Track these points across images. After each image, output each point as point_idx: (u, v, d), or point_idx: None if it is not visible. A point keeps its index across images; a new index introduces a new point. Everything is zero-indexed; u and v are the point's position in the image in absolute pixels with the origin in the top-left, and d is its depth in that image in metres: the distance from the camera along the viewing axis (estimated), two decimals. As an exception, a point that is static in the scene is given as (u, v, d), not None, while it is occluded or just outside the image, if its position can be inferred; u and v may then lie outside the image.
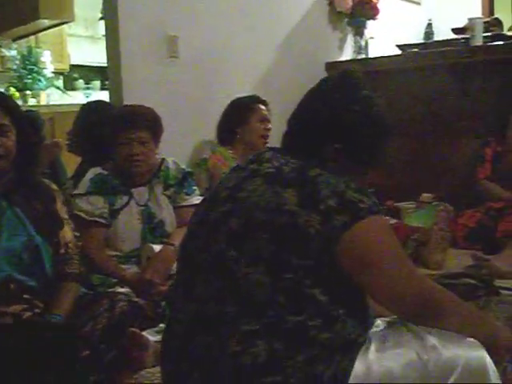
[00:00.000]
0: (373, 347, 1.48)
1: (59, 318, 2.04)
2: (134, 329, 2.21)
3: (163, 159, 2.97)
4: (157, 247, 2.73)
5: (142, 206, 2.83)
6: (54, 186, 2.28)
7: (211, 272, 1.49)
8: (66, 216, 2.26)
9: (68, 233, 2.22)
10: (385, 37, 5.16)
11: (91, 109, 3.40)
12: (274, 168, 1.52)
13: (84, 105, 3.56)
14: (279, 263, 1.42)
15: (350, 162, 1.60)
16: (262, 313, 1.40)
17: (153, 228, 2.83)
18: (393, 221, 3.80)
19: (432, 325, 1.49)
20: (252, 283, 1.41)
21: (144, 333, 2.26)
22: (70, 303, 2.12)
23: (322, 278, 1.43)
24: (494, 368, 1.49)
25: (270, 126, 3.63)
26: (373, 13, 4.94)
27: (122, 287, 2.61)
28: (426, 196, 4.46)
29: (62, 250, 2.17)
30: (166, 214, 2.87)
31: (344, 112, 1.58)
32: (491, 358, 1.50)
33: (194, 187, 2.98)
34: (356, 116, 1.59)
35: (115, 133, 2.80)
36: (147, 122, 2.83)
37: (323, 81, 1.71)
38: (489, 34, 4.41)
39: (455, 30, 4.65)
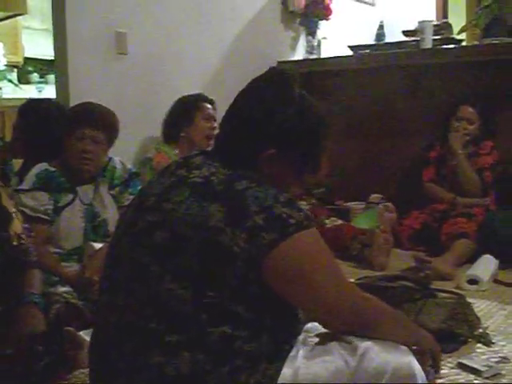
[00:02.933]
0: (301, 354, 1.46)
1: (37, 296, 2.12)
2: (69, 328, 2.18)
3: (110, 158, 2.97)
4: (98, 245, 2.72)
5: (86, 204, 2.83)
6: None
7: (134, 282, 1.44)
8: (14, 209, 2.24)
9: (18, 225, 2.21)
10: (338, 37, 5.18)
11: (28, 111, 3.31)
12: (202, 178, 1.45)
13: (20, 108, 3.42)
14: (203, 280, 1.37)
15: (284, 167, 1.53)
16: (185, 325, 1.37)
17: (95, 227, 2.83)
18: (338, 222, 3.83)
19: (362, 335, 1.48)
20: (174, 299, 1.37)
21: (81, 333, 2.23)
22: (40, 286, 2.19)
23: (248, 297, 1.38)
24: (423, 374, 1.49)
25: (215, 124, 3.63)
26: (325, 13, 4.96)
27: (64, 286, 2.58)
28: (374, 197, 4.51)
29: (16, 242, 2.17)
30: (109, 213, 2.87)
31: (277, 114, 1.50)
32: None
33: (139, 188, 2.96)
34: (290, 118, 1.51)
35: (72, 127, 2.81)
36: (105, 124, 2.85)
37: (254, 81, 1.61)
38: (439, 37, 4.45)
39: (406, 33, 4.68)
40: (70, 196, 2.80)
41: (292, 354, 1.46)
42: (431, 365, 1.61)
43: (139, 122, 3.87)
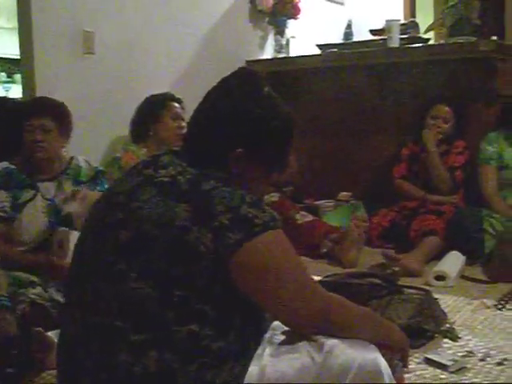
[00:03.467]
0: (267, 352, 1.46)
1: (4, 299, 2.20)
2: (38, 329, 2.17)
3: (72, 157, 3.00)
4: (72, 232, 2.73)
5: (47, 199, 2.84)
6: None
7: (99, 281, 1.43)
8: None
9: None
10: (306, 36, 5.19)
11: None
12: (169, 177, 1.45)
13: None
14: (169, 279, 1.36)
15: (253, 166, 1.53)
16: (151, 324, 1.36)
17: (60, 222, 2.82)
18: (309, 217, 3.83)
19: (330, 334, 1.48)
20: (140, 297, 1.36)
21: (49, 333, 2.21)
22: (5, 287, 2.26)
23: (215, 296, 1.39)
24: (389, 371, 1.50)
25: (183, 123, 3.61)
26: (294, 12, 4.97)
27: (34, 288, 2.54)
28: (344, 195, 4.55)
29: None
30: (73, 207, 2.85)
31: (246, 113, 1.51)
32: (383, 356, 1.51)
33: (107, 186, 2.96)
34: (258, 117, 1.51)
35: (22, 121, 2.85)
36: (52, 111, 2.87)
37: (223, 81, 1.60)
38: (406, 36, 4.48)
39: (373, 32, 4.71)
40: (32, 192, 2.81)
41: (258, 352, 1.46)
42: (399, 359, 1.62)
43: (107, 122, 3.85)
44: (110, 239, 1.44)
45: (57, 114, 2.89)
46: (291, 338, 1.50)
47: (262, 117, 1.52)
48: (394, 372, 1.59)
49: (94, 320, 1.42)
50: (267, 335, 1.54)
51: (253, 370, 1.42)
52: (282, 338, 1.52)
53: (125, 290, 1.38)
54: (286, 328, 1.54)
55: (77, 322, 1.47)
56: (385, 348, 1.55)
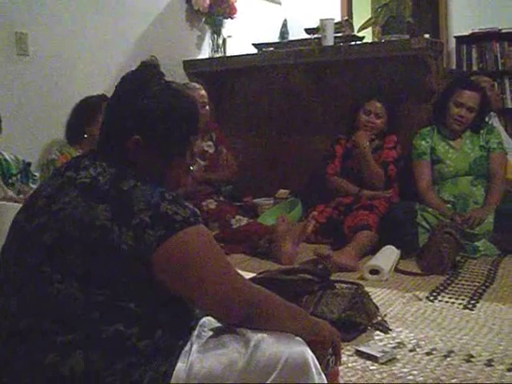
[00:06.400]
0: (195, 348, 1.48)
1: None
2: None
3: None
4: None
5: None
6: None
7: (25, 285, 1.44)
8: None
9: None
10: (243, 35, 5.22)
11: None
12: (89, 178, 1.47)
13: None
14: (93, 279, 1.38)
15: (150, 155, 1.55)
16: (77, 324, 1.38)
17: None
18: (244, 220, 3.85)
19: (257, 327, 1.50)
20: (65, 299, 1.38)
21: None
22: None
23: (139, 293, 1.41)
24: (316, 362, 1.52)
25: (118, 124, 3.60)
26: (230, 11, 4.99)
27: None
28: (282, 192, 4.58)
29: None
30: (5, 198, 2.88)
31: (136, 104, 1.54)
32: (315, 352, 1.54)
33: (37, 175, 3.15)
34: (147, 107, 1.54)
35: None
36: None
37: (122, 77, 1.64)
38: (340, 34, 4.54)
39: (308, 30, 4.75)
40: None
41: (186, 348, 1.48)
42: (331, 353, 1.65)
43: (42, 125, 3.81)
44: (34, 243, 1.45)
45: None
46: (218, 334, 1.52)
47: (151, 107, 1.54)
48: (327, 367, 1.63)
49: (21, 325, 1.42)
50: (195, 332, 1.56)
51: (180, 367, 1.43)
52: (210, 333, 1.54)
53: (50, 292, 1.39)
54: (214, 324, 1.57)
55: (3, 329, 1.46)
56: (316, 343, 1.58)
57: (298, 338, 1.53)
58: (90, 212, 1.40)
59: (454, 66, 6.44)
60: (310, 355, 1.51)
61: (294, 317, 1.61)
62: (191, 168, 1.72)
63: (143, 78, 1.60)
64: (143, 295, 1.41)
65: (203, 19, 5.02)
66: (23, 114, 3.66)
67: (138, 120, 1.54)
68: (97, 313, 1.37)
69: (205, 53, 5.08)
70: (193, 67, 4.85)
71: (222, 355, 1.45)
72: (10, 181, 2.96)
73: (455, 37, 6.48)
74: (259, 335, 1.48)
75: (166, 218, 1.40)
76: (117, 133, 1.55)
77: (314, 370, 1.52)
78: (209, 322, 1.62)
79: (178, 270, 1.42)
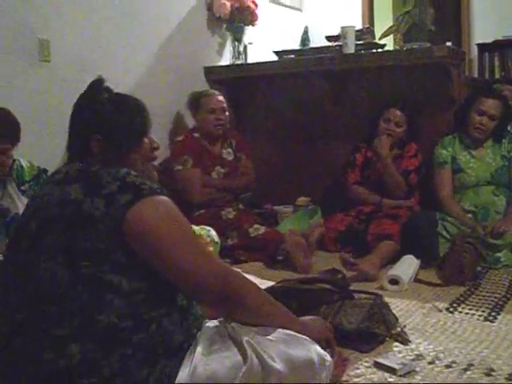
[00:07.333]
0: (199, 350, 1.52)
1: None
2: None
3: (14, 160, 3.05)
4: None
5: None
6: None
7: (22, 280, 1.53)
8: None
9: None
10: (263, 42, 5.22)
11: None
12: (62, 174, 1.62)
13: None
14: (75, 252, 1.47)
15: (111, 150, 1.70)
16: (72, 316, 1.44)
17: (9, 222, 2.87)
18: (261, 229, 3.80)
19: (238, 317, 1.59)
20: (52, 277, 1.46)
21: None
22: None
23: (119, 263, 1.48)
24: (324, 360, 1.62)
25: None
26: (251, 19, 4.98)
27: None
28: (302, 199, 4.57)
29: None
30: (20, 208, 2.90)
31: (95, 106, 1.75)
32: None
33: None
34: (102, 109, 1.74)
35: None
36: (10, 132, 2.90)
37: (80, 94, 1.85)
38: (361, 42, 4.52)
39: (329, 38, 4.74)
40: None
41: (190, 350, 1.53)
42: (325, 347, 1.72)
43: (62, 132, 3.80)
44: (24, 237, 1.57)
45: (13, 133, 2.91)
46: (222, 337, 1.58)
47: (104, 110, 1.74)
48: None
49: (19, 319, 1.49)
50: (199, 335, 1.59)
51: (184, 368, 1.48)
52: (214, 336, 1.58)
53: (37, 275, 1.49)
54: (218, 327, 1.63)
55: (2, 328, 1.53)
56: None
57: (303, 337, 1.62)
58: (64, 191, 1.54)
59: (475, 74, 6.40)
60: (315, 354, 1.61)
61: (276, 307, 1.70)
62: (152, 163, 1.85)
63: (94, 90, 1.81)
64: (125, 267, 1.48)
65: (224, 26, 5.02)
66: (44, 121, 3.67)
67: (95, 122, 1.71)
68: (84, 288, 1.45)
69: (226, 60, 5.08)
70: (213, 74, 4.85)
71: (226, 358, 1.51)
72: (22, 188, 3.00)
73: (477, 44, 6.44)
74: (262, 338, 1.55)
75: (133, 186, 1.53)
76: (81, 135, 1.72)
77: (318, 370, 1.57)
78: (213, 324, 1.66)
79: (147, 236, 1.50)
